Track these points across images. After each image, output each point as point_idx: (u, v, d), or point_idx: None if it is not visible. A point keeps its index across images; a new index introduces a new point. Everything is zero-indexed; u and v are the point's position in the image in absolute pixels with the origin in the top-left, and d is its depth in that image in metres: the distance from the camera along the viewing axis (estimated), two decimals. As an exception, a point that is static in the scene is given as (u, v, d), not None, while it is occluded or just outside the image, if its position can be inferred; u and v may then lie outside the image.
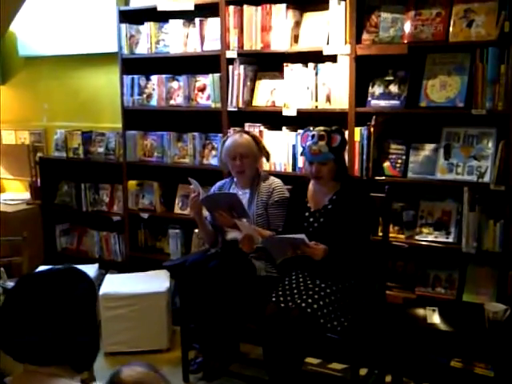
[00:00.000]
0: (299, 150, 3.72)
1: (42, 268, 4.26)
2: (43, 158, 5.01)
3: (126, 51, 4.36)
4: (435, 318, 3.00)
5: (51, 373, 1.48)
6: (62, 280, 1.54)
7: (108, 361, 3.90)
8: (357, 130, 3.53)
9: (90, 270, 4.32)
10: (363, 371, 3.26)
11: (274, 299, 3.06)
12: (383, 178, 3.51)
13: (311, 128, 3.22)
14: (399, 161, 3.51)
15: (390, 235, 3.42)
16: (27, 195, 5.13)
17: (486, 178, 3.25)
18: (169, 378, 3.62)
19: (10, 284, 3.22)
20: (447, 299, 3.39)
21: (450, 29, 3.26)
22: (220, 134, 4.03)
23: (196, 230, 4.22)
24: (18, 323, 1.49)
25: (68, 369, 1.51)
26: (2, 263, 4.13)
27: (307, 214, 3.22)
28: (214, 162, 4.13)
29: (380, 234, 3.36)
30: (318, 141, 3.10)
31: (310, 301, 2.95)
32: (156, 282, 4.08)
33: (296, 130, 3.78)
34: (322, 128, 3.16)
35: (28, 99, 5.29)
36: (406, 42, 3.39)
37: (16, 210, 4.91)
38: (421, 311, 3.11)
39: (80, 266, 4.26)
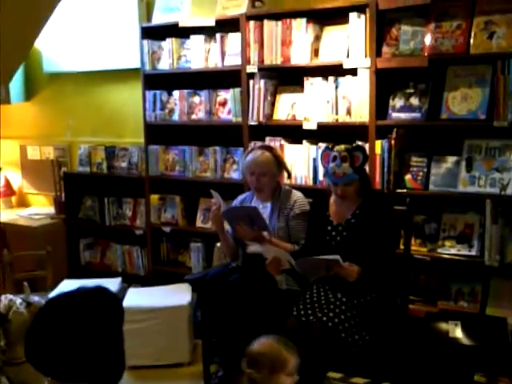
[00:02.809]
0: (319, 163, 3.72)
1: (66, 282, 4.33)
2: (67, 172, 5.08)
3: (148, 67, 4.41)
4: (458, 332, 2.98)
5: None
6: (90, 300, 1.56)
7: (130, 375, 3.89)
8: (377, 142, 3.52)
9: (113, 283, 4.36)
10: (386, 386, 3.23)
11: (295, 313, 3.05)
12: (404, 190, 3.50)
13: (330, 146, 3.20)
14: (420, 173, 3.50)
15: (412, 248, 3.40)
16: (52, 210, 5.19)
17: (509, 191, 3.21)
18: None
19: (34, 298, 3.24)
20: (470, 313, 3.34)
21: (471, 41, 3.25)
22: (241, 148, 4.05)
23: (218, 244, 4.23)
24: (46, 339, 1.51)
25: None
26: (27, 277, 4.18)
27: (329, 227, 3.21)
28: (235, 175, 4.15)
29: (402, 246, 3.33)
30: (341, 163, 3.08)
31: (331, 315, 2.94)
32: (178, 295, 4.09)
33: (317, 144, 3.79)
34: (343, 147, 3.13)
35: (52, 115, 5.37)
36: (426, 54, 3.39)
37: (40, 224, 4.97)
38: (443, 325, 3.09)
39: (103, 280, 4.34)
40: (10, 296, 3.18)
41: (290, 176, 3.67)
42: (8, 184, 5.59)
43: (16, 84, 5.23)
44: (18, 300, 3.15)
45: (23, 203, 5.67)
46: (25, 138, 5.55)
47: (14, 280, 4.48)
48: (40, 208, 5.42)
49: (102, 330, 1.51)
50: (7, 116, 5.61)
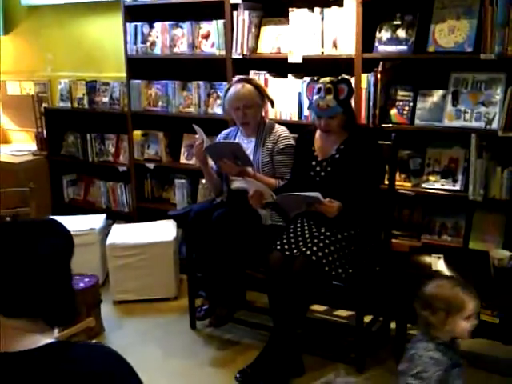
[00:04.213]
0: (305, 98, 3.66)
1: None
2: (48, 108, 4.98)
3: (128, -3, 4.28)
4: (440, 266, 3.00)
5: (18, 326, 1.46)
6: (35, 231, 1.50)
7: (116, 309, 3.94)
8: (363, 76, 3.47)
9: (98, 220, 4.36)
10: (368, 318, 3.28)
11: (278, 247, 3.06)
12: (390, 125, 3.47)
13: (316, 79, 3.14)
14: (406, 108, 3.46)
15: (397, 183, 3.39)
16: (33, 146, 5.11)
17: (494, 125, 3.20)
18: (176, 326, 3.68)
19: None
20: (453, 247, 3.38)
21: (460, -30, 3.17)
22: (225, 83, 3.97)
23: (202, 180, 4.21)
24: None
25: (40, 323, 1.48)
26: (10, 214, 4.15)
27: (314, 163, 3.19)
28: (218, 110, 4.08)
29: (386, 182, 3.32)
30: (325, 95, 3.04)
31: (314, 248, 2.95)
32: (163, 231, 4.10)
33: (302, 78, 3.73)
34: (327, 79, 3.08)
35: (32, 49, 5.23)
36: (414, -16, 3.31)
37: (22, 161, 4.90)
38: (426, 259, 3.11)
39: (87, 217, 4.31)
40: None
41: (272, 105, 3.61)
42: (-12, 120, 5.50)
43: (-7, 17, 5.08)
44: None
45: (4, 140, 5.57)
46: (4, 74, 5.40)
47: (-3, 217, 4.46)
48: (22, 144, 5.34)
49: (41, 261, 1.44)
50: (-15, 51, 5.48)
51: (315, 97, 3.07)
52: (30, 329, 1.45)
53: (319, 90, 3.06)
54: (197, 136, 3.49)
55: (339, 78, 3.10)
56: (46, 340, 1.43)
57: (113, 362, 1.44)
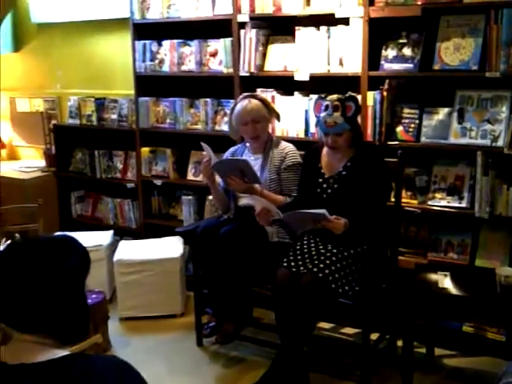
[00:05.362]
0: (311, 115, 3.69)
1: (58, 235, 4.32)
2: (57, 125, 5.02)
3: (137, 16, 4.32)
4: (447, 283, 2.99)
5: (38, 341, 1.48)
6: (53, 249, 1.51)
7: (123, 326, 3.95)
8: (369, 94, 3.49)
9: (105, 236, 4.38)
10: (375, 336, 3.27)
11: (285, 264, 3.07)
12: (396, 142, 3.48)
13: (323, 96, 3.17)
14: (412, 125, 3.48)
15: (403, 200, 3.40)
16: (42, 162, 5.15)
17: (500, 142, 3.20)
18: (182, 343, 3.68)
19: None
20: (460, 264, 3.37)
21: (465, -11, 3.19)
22: (232, 100, 3.99)
23: (209, 197, 4.23)
24: (4, 286, 1.48)
25: (52, 340, 1.50)
26: (18, 230, 4.18)
27: (321, 180, 3.21)
28: (226, 128, 4.10)
29: (393, 199, 3.33)
30: (332, 112, 3.06)
31: (321, 266, 2.95)
32: (170, 248, 4.11)
33: (308, 95, 3.75)
34: (335, 97, 3.10)
35: (41, 66, 5.29)
36: (419, 3, 3.32)
37: (31, 177, 4.95)
38: (433, 276, 3.10)
39: (95, 233, 4.33)
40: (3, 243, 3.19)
41: (279, 119, 3.63)
42: (-3, 137, 5.55)
43: (4, 35, 5.14)
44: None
45: (13, 156, 5.63)
46: (14, 90, 5.47)
47: (5, 233, 4.49)
48: (30, 161, 5.38)
49: (58, 279, 1.45)
50: (-4, 68, 5.54)
51: (323, 114, 3.09)
52: (46, 343, 1.48)
53: (327, 107, 3.08)
54: (204, 153, 3.51)
55: (346, 95, 3.12)
56: (63, 352, 1.46)
57: (127, 373, 1.46)
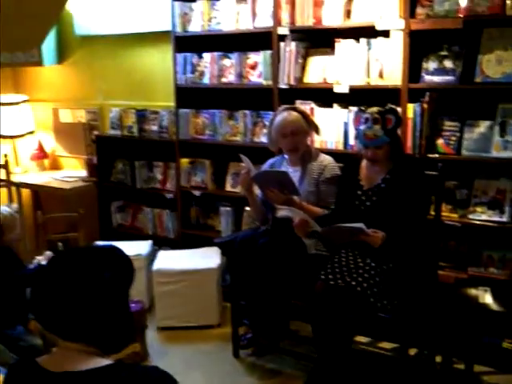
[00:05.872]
0: (351, 127, 3.69)
1: (98, 244, 4.39)
2: (99, 136, 5.10)
3: (179, 29, 4.38)
4: (487, 299, 2.95)
5: (82, 350, 1.50)
6: (98, 258, 1.54)
7: (160, 335, 3.98)
8: (410, 106, 3.46)
9: (144, 246, 4.42)
10: (413, 351, 3.23)
11: (323, 277, 3.05)
12: (436, 155, 3.45)
13: (363, 109, 3.16)
14: (453, 138, 3.44)
15: (443, 214, 3.36)
16: (83, 172, 5.23)
17: (543, 156, 3.15)
18: (219, 354, 3.69)
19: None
20: (500, 279, 3.31)
21: (507, 1, 3.14)
22: (271, 112, 4.01)
23: (247, 208, 4.24)
24: (44, 293, 1.51)
25: (95, 349, 1.52)
26: (59, 238, 4.26)
27: (359, 192, 3.19)
28: (264, 139, 4.11)
29: (432, 212, 3.29)
30: (372, 125, 3.05)
31: (359, 279, 2.93)
32: (207, 258, 4.13)
33: (347, 107, 3.74)
34: (375, 109, 3.09)
35: (84, 78, 5.38)
36: (461, 16, 3.29)
37: (73, 186, 5.02)
38: (473, 291, 3.06)
39: (134, 242, 4.38)
40: (48, 254, 3.25)
41: (318, 132, 3.63)
42: (41, 147, 5.65)
43: (49, 47, 5.23)
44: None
45: (56, 166, 5.73)
46: (57, 101, 5.58)
47: (47, 241, 4.57)
48: (72, 171, 5.47)
49: (102, 289, 1.48)
50: (40, 79, 5.66)
51: (362, 126, 3.08)
52: (90, 352, 1.50)
53: (366, 119, 3.07)
54: (242, 164, 3.53)
55: (387, 107, 3.10)
56: (106, 361, 1.48)
57: (166, 379, 1.48)
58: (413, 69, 3.48)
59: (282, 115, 3.51)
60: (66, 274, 1.49)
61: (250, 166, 3.42)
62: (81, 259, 1.52)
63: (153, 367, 1.52)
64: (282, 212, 3.50)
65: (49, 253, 3.41)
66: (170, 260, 4.16)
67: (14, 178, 5.17)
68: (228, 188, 4.46)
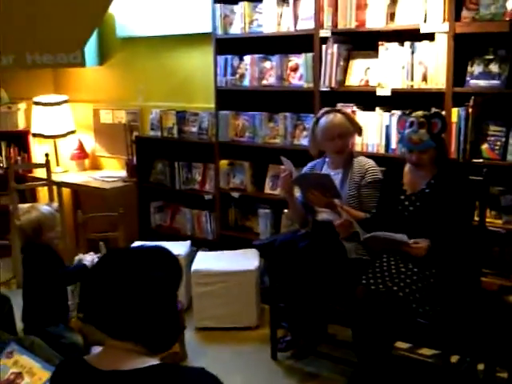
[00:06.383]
0: (393, 131, 3.66)
1: (137, 243, 4.43)
2: (139, 137, 5.14)
3: (220, 31, 4.39)
4: (533, 307, 2.89)
5: (130, 349, 1.51)
6: (148, 258, 1.55)
7: (199, 336, 3.99)
8: (454, 110, 3.42)
9: (183, 246, 4.44)
10: (454, 358, 3.19)
11: (364, 281, 3.03)
12: (481, 160, 3.40)
13: (408, 112, 3.12)
14: (498, 143, 3.39)
15: (487, 220, 3.31)
16: (123, 173, 5.28)
17: None
18: (257, 355, 3.69)
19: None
20: (546, 287, 3.25)
21: (557, 4, 3.10)
22: (312, 115, 4.00)
23: (285, 211, 4.24)
24: (95, 292, 1.53)
25: (142, 348, 1.53)
26: (99, 238, 4.30)
27: (403, 197, 3.16)
28: (304, 142, 4.11)
29: (476, 218, 3.25)
30: (418, 129, 3.01)
31: (401, 285, 2.91)
32: (246, 260, 4.14)
33: (390, 111, 3.72)
34: (420, 113, 3.05)
35: (125, 79, 5.44)
36: (508, 19, 3.24)
37: (113, 186, 5.07)
38: (517, 299, 3.01)
39: (173, 243, 4.41)
40: (91, 254, 3.29)
41: (360, 133, 3.62)
42: (81, 147, 5.72)
43: (90, 48, 5.30)
44: (95, 259, 3.26)
45: (96, 166, 5.80)
46: (98, 102, 5.65)
47: (87, 240, 4.63)
48: (112, 171, 5.53)
49: (151, 289, 1.50)
50: (81, 80, 5.74)
51: (407, 130, 3.05)
52: (138, 352, 1.51)
53: (412, 123, 3.04)
54: (282, 167, 3.53)
55: (432, 112, 3.07)
56: (153, 361, 1.49)
57: (214, 382, 1.49)
58: (457, 72, 3.43)
59: (328, 118, 3.49)
60: (118, 273, 1.51)
61: (291, 168, 3.41)
62: (132, 259, 1.54)
63: (200, 369, 1.53)
64: (323, 215, 3.49)
65: (91, 254, 3.45)
66: (209, 261, 4.17)
67: (55, 178, 5.23)
68: (267, 190, 4.46)
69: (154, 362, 1.50)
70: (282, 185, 3.56)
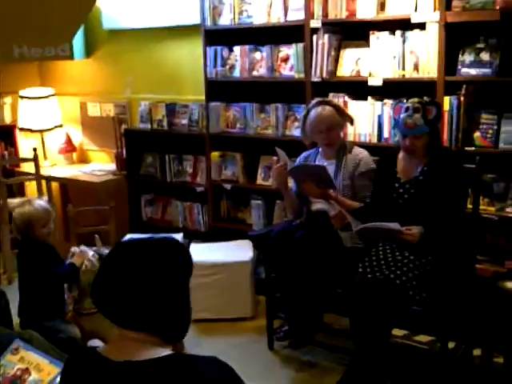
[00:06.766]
0: (385, 120, 3.69)
1: (129, 237, 4.41)
2: (128, 129, 5.11)
3: (209, 23, 4.37)
4: (527, 292, 2.93)
5: (143, 339, 1.52)
6: (160, 249, 1.56)
7: (194, 327, 3.97)
8: (446, 99, 3.44)
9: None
10: (451, 344, 3.23)
11: (360, 270, 3.06)
12: (473, 148, 3.43)
13: (404, 100, 3.15)
14: (490, 131, 3.42)
15: (480, 207, 3.34)
16: (113, 166, 5.25)
17: None
18: (253, 346, 3.70)
19: (105, 250, 3.33)
20: (539, 273, 3.30)
21: (547, -7, 3.12)
22: (303, 105, 4.01)
23: (278, 201, 4.25)
24: (109, 283, 1.52)
25: (156, 338, 1.54)
26: (90, 231, 4.28)
27: (397, 185, 3.19)
28: (296, 133, 4.11)
29: (470, 205, 3.28)
30: (413, 113, 3.04)
31: (398, 272, 2.93)
32: (240, 251, 4.14)
33: (382, 100, 3.73)
34: (416, 100, 3.08)
35: (112, 72, 5.39)
36: (498, 7, 3.26)
37: (103, 180, 5.04)
38: (511, 284, 3.04)
39: (165, 236, 4.40)
40: (83, 247, 3.27)
41: (352, 123, 3.64)
42: (69, 140, 5.68)
43: (77, 41, 5.24)
44: (90, 252, 3.25)
45: (83, 159, 5.75)
46: (85, 95, 5.61)
47: (78, 234, 4.61)
48: (100, 164, 5.49)
49: (165, 279, 1.51)
50: (68, 73, 5.69)
51: (402, 115, 3.08)
52: (151, 342, 1.51)
53: (407, 108, 3.07)
54: (275, 158, 3.53)
55: (428, 99, 3.09)
56: (166, 351, 1.49)
57: (227, 371, 1.52)
58: (449, 61, 3.46)
59: (316, 110, 3.49)
60: (132, 264, 1.51)
61: (286, 159, 3.42)
62: (145, 250, 1.54)
63: (213, 358, 1.54)
64: (317, 205, 3.50)
65: (84, 247, 3.42)
66: (203, 253, 4.17)
67: (43, 172, 5.19)
68: (259, 181, 4.46)
69: (167, 352, 1.50)
70: (276, 176, 3.55)
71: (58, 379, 1.97)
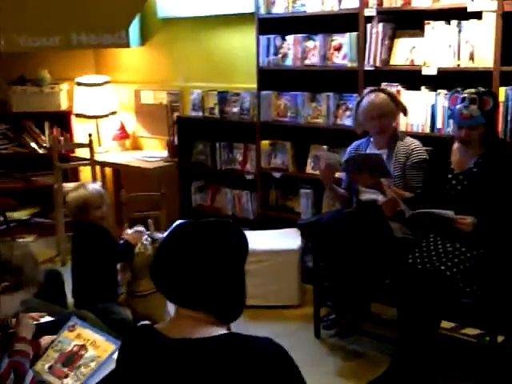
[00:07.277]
0: (439, 110, 3.65)
1: (179, 222, 4.47)
2: (181, 117, 5.18)
3: (262, 11, 4.39)
4: None
5: (200, 318, 1.56)
6: (218, 231, 1.60)
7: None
8: (501, 89, 3.38)
9: (224, 226, 4.47)
10: (499, 338, 3.18)
11: (411, 261, 3.04)
12: (529, 140, 3.37)
13: (460, 90, 3.10)
14: (547, 122, 3.35)
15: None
16: (164, 153, 5.33)
17: None
18: (300, 334, 3.70)
19: (158, 235, 3.39)
20: None
21: None
22: (355, 94, 3.99)
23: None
24: (169, 263, 1.56)
25: (213, 318, 1.57)
26: (142, 217, 4.35)
27: (450, 176, 3.15)
28: (347, 122, 4.10)
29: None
30: (469, 104, 2.99)
31: (449, 264, 2.91)
32: (288, 239, 4.17)
33: (435, 90, 3.69)
34: (472, 90, 3.03)
35: (166, 60, 5.46)
36: (558, -4, 3.20)
37: (155, 166, 5.11)
38: None
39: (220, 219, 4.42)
40: (138, 227, 3.33)
41: (405, 113, 3.60)
42: (123, 127, 5.78)
43: (132, 29, 5.32)
44: (144, 235, 3.30)
45: (136, 146, 5.85)
46: (139, 83, 5.69)
47: (130, 219, 4.69)
48: (154, 151, 5.57)
49: (226, 260, 1.54)
50: (122, 61, 5.78)
51: (458, 106, 3.03)
52: (209, 321, 1.55)
53: (463, 99, 3.02)
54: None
55: (484, 89, 3.04)
56: (222, 330, 1.53)
57: (281, 351, 1.55)
58: (505, 51, 3.39)
59: (369, 97, 3.48)
60: (193, 244, 1.55)
61: (330, 161, 3.43)
62: (202, 231, 1.58)
63: (267, 338, 1.56)
64: (366, 195, 3.49)
65: (139, 227, 3.46)
66: (251, 240, 4.13)
67: (97, 158, 5.30)
68: (308, 170, 4.46)
69: (223, 331, 1.54)
70: (325, 178, 3.57)
71: (115, 356, 2.02)
